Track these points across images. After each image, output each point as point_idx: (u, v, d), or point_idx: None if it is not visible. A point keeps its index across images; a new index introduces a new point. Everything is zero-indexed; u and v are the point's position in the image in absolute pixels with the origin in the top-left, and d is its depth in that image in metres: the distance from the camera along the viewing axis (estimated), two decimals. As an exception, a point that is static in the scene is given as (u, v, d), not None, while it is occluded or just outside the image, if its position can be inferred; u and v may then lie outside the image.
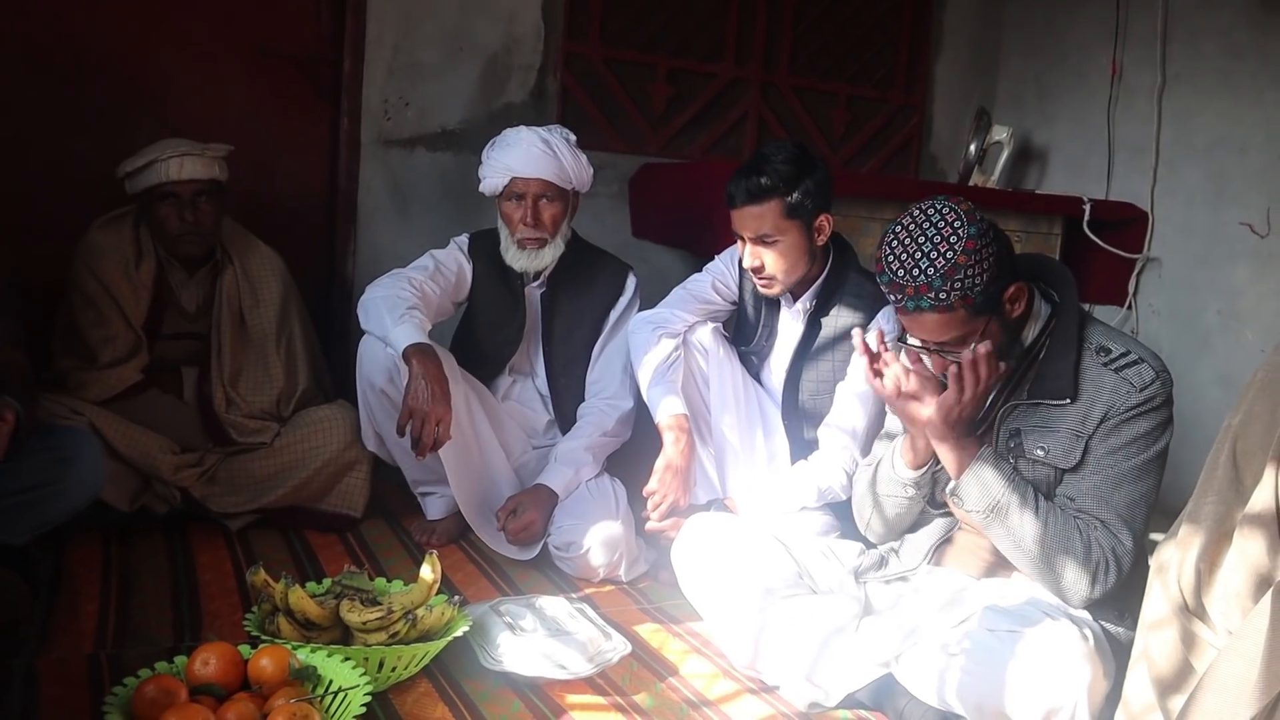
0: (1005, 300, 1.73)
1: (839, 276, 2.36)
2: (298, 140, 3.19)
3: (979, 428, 1.85)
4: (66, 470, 2.07)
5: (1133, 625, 1.68)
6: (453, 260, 2.61)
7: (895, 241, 1.71)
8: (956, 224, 1.67)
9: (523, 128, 2.53)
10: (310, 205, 3.24)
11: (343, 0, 3.12)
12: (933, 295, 1.66)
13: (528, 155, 2.47)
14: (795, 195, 2.24)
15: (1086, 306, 3.59)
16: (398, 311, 2.34)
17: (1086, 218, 3.37)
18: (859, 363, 2.30)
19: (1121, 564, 1.68)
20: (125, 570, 2.25)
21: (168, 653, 1.73)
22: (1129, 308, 3.47)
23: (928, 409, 1.74)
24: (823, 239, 2.32)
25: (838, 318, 2.36)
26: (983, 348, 1.70)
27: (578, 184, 2.56)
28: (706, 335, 2.48)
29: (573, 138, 2.55)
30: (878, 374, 1.78)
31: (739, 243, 2.35)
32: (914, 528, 1.97)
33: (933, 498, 1.92)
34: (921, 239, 1.68)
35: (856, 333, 1.78)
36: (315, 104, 3.20)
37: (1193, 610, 1.33)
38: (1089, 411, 1.72)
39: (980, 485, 1.73)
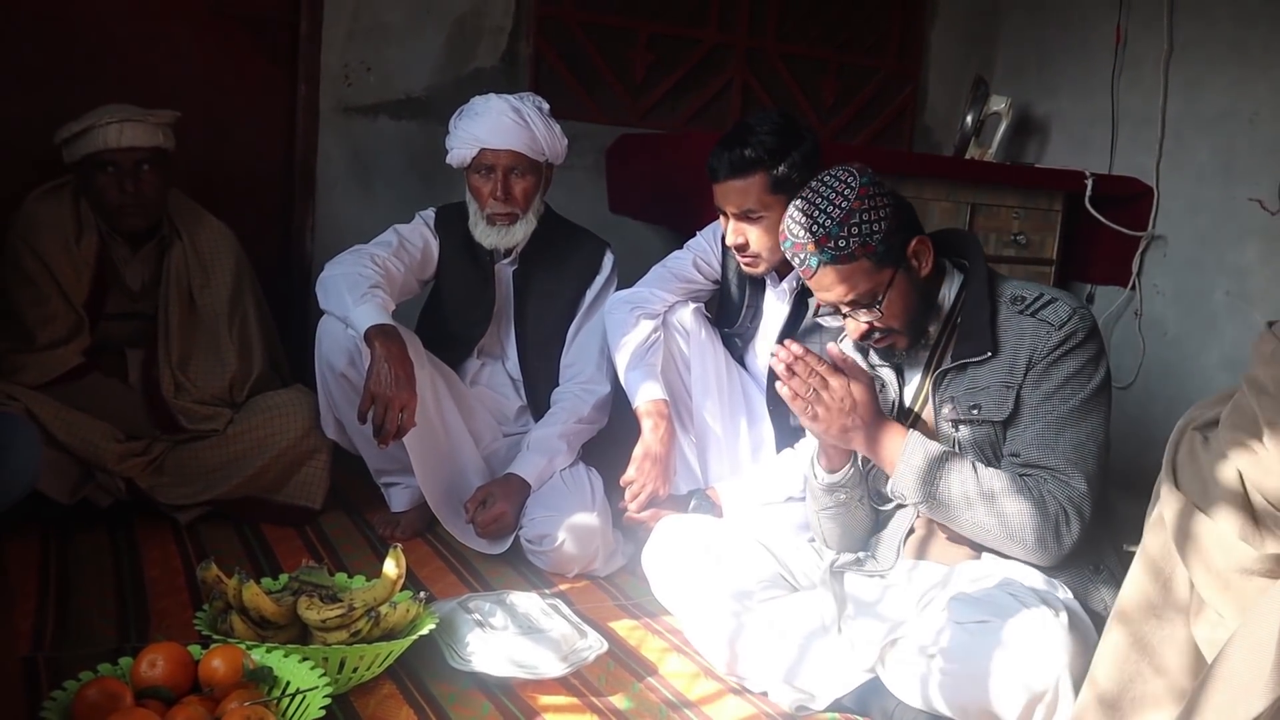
0: (909, 255, 1.82)
1: None
2: (251, 107, 3.15)
3: (913, 406, 1.91)
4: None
5: (1110, 578, 1.74)
6: (418, 235, 2.59)
7: (794, 211, 1.83)
8: (848, 178, 1.80)
9: (492, 95, 2.51)
10: (265, 177, 3.20)
11: (299, -44, 3.10)
12: (832, 245, 1.77)
13: (497, 125, 2.44)
14: (781, 168, 2.23)
15: (1088, 288, 3.64)
16: (359, 290, 2.32)
17: (1089, 193, 3.38)
18: (849, 345, 2.30)
19: (1081, 510, 1.73)
20: (65, 566, 2.23)
21: (111, 654, 1.71)
22: (1132, 288, 3.48)
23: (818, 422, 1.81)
24: None
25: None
26: (832, 348, 1.81)
27: (551, 156, 2.54)
28: (688, 316, 2.47)
29: (546, 106, 2.54)
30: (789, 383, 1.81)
31: (721, 219, 2.34)
32: (882, 526, 2.00)
33: (877, 494, 1.95)
34: (816, 199, 1.81)
35: (831, 346, 1.81)
36: (270, 68, 3.16)
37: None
38: (1014, 360, 1.79)
39: (914, 474, 1.78)
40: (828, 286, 1.82)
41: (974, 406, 1.81)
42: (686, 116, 3.61)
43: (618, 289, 2.61)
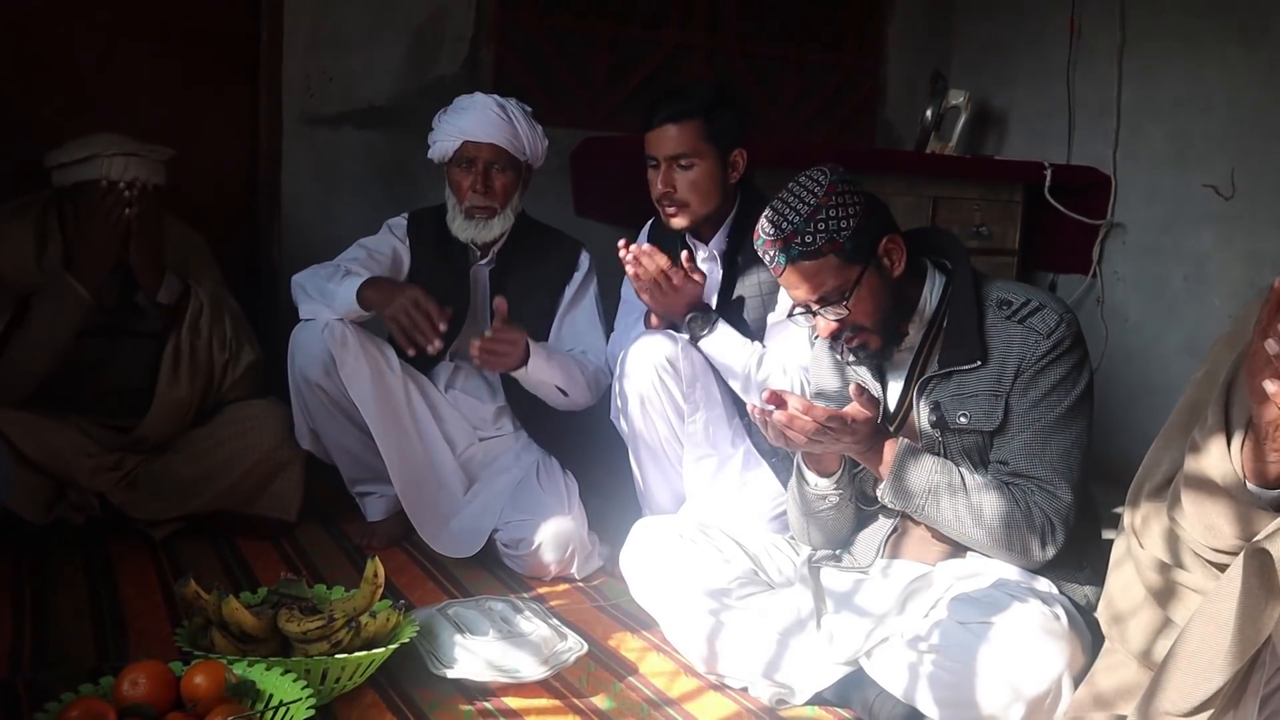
0: (880, 254, 1.82)
1: (751, 211, 2.34)
2: (213, 121, 3.14)
3: (898, 412, 1.92)
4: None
5: (1093, 575, 1.77)
6: (385, 245, 2.60)
7: (768, 210, 1.85)
8: (818, 176, 1.82)
9: (478, 93, 2.56)
10: (230, 190, 3.19)
11: (257, -32, 3.09)
12: (800, 241, 1.78)
13: (482, 118, 2.48)
14: (715, 120, 2.32)
15: (1051, 277, 3.70)
16: (338, 275, 2.40)
17: (1048, 184, 3.43)
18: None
19: (1066, 521, 1.76)
20: (40, 586, 2.22)
21: (92, 674, 1.70)
22: (1093, 276, 3.54)
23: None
24: (736, 175, 2.39)
25: (755, 256, 2.35)
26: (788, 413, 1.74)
27: (531, 157, 2.57)
28: (677, 351, 2.33)
29: (529, 109, 2.57)
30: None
31: (650, 171, 2.38)
32: (862, 525, 2.01)
33: (862, 495, 1.96)
34: (788, 197, 1.83)
35: (754, 408, 1.80)
36: (232, 81, 3.15)
37: (1170, 561, 1.37)
38: (1003, 368, 1.79)
39: (905, 481, 1.79)
40: (796, 283, 1.83)
41: (962, 414, 1.82)
42: (650, 118, 3.63)
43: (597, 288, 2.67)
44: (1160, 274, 3.37)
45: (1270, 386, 1.13)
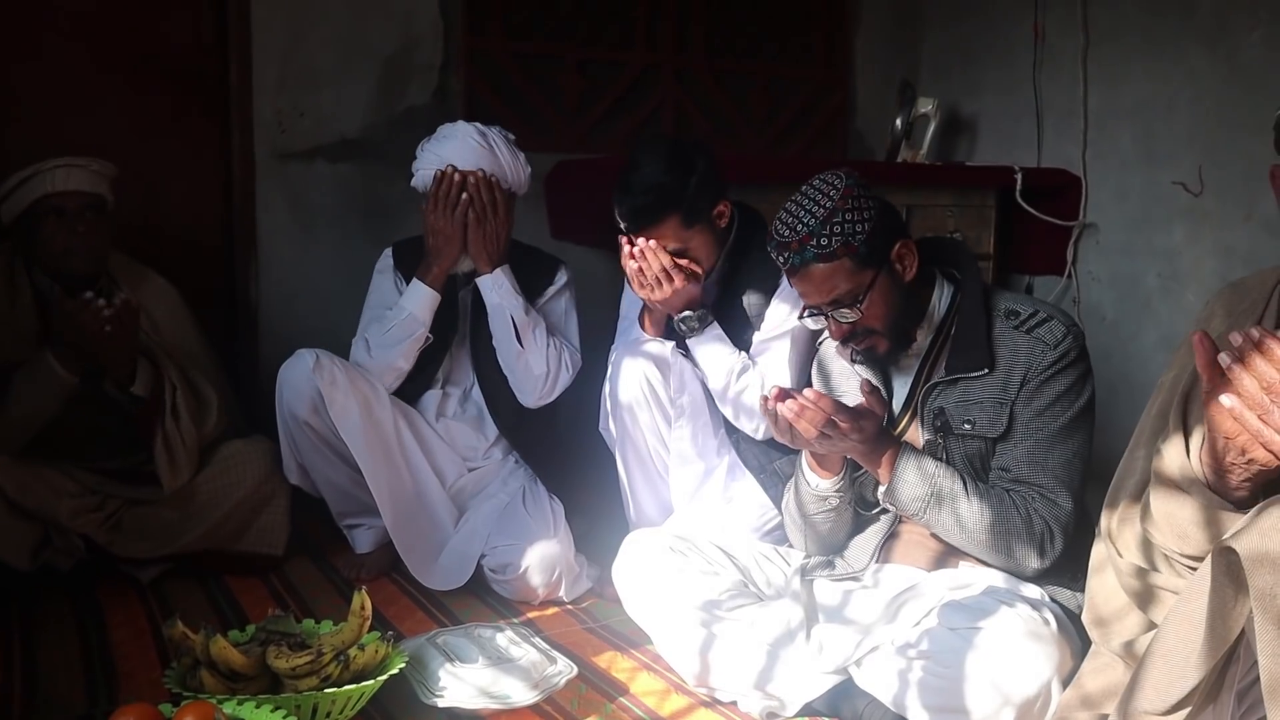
0: (893, 258, 1.85)
1: (746, 242, 2.39)
2: (185, 160, 3.15)
3: (903, 415, 1.94)
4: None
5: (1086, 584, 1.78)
6: (389, 288, 2.62)
7: (782, 212, 1.88)
8: (834, 180, 1.86)
9: (460, 122, 2.57)
10: (204, 230, 3.20)
11: (224, 7, 3.10)
12: (815, 244, 1.81)
13: (464, 147, 2.50)
14: (686, 201, 2.25)
15: (1027, 279, 3.72)
16: (388, 316, 2.51)
17: (1019, 187, 3.46)
18: (775, 313, 2.34)
19: (1066, 528, 1.78)
20: (29, 633, 2.22)
21: (82, 719, 1.71)
22: (1069, 276, 3.57)
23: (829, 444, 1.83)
24: (724, 222, 2.36)
25: (750, 278, 2.37)
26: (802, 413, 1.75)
27: (515, 184, 2.58)
28: (665, 352, 2.38)
29: (512, 137, 2.59)
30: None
31: None
32: (857, 530, 2.03)
33: (862, 499, 1.98)
34: (803, 199, 1.86)
35: (761, 400, 1.83)
36: (202, 120, 3.16)
37: (1147, 566, 1.39)
38: (1009, 377, 1.82)
39: (907, 484, 1.81)
40: (810, 286, 1.85)
41: (967, 421, 1.84)
42: (623, 138, 3.64)
43: (577, 304, 2.67)
44: (1134, 272, 3.40)
45: (1226, 401, 1.15)
